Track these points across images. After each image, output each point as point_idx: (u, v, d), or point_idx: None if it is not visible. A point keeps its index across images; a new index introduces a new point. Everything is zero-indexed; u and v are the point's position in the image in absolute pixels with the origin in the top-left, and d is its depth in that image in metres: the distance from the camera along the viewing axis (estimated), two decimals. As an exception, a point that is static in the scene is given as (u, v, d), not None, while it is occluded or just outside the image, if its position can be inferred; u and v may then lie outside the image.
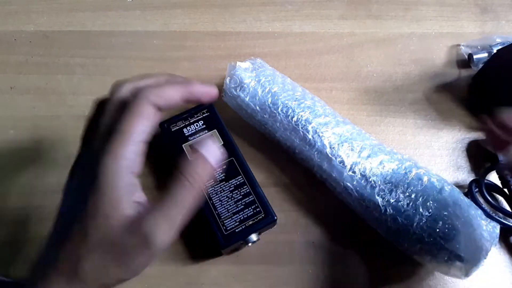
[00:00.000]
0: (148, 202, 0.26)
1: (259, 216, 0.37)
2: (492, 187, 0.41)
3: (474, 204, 0.36)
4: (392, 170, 0.37)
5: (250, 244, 0.37)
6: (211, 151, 0.27)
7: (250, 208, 0.38)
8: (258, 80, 0.41)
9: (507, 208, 0.40)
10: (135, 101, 0.26)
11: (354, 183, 0.37)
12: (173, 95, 0.28)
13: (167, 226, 0.25)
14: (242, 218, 0.37)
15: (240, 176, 0.39)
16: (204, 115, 0.42)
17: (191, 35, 0.52)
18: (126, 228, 0.24)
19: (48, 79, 0.49)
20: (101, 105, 0.29)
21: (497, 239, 0.34)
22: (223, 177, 0.39)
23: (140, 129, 0.26)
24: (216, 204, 0.38)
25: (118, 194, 0.24)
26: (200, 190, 0.26)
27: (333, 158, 0.38)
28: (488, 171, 0.42)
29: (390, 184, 0.36)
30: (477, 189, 0.40)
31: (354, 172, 0.37)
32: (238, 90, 0.41)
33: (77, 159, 0.30)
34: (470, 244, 0.33)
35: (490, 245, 0.33)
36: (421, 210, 0.35)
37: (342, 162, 0.37)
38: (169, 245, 0.25)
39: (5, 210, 0.42)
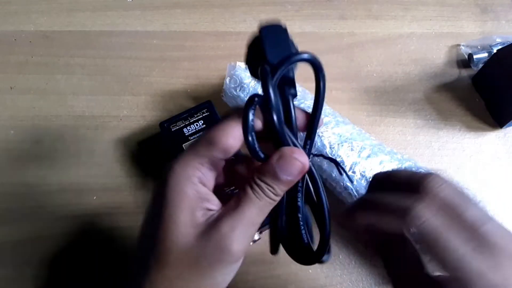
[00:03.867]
0: (223, 207, 0.24)
1: (259, 216, 0.37)
2: None
3: None
4: (392, 170, 0.37)
5: (251, 243, 0.37)
6: (296, 152, 0.23)
7: (250, 208, 0.38)
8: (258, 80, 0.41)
9: None
10: (231, 117, 0.24)
11: (354, 183, 0.37)
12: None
13: (242, 233, 0.23)
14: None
15: (240, 176, 0.39)
16: (204, 115, 0.42)
17: (191, 35, 0.52)
18: (201, 234, 0.22)
19: (48, 79, 0.49)
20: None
21: None
22: (223, 177, 0.39)
23: (223, 145, 0.24)
24: (216, 204, 0.38)
25: (188, 200, 0.23)
26: (280, 197, 0.24)
27: (333, 158, 0.38)
28: None
29: (390, 184, 0.36)
30: None
31: (354, 172, 0.37)
32: (238, 90, 0.41)
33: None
34: None
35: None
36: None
37: (342, 162, 0.37)
38: (244, 256, 0.23)
39: (6, 210, 0.42)
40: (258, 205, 0.23)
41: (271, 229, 0.27)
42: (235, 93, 0.41)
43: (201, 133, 0.41)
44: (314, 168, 0.26)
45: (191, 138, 0.41)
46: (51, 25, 0.52)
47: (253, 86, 0.41)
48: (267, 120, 0.23)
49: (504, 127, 0.45)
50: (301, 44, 0.51)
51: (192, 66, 0.50)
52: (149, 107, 0.47)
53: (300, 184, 0.26)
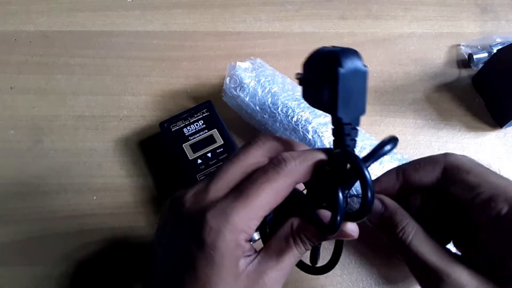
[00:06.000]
0: (261, 254, 0.25)
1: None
2: None
3: None
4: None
5: (252, 243, 0.37)
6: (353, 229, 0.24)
7: (250, 208, 0.38)
8: (258, 80, 0.41)
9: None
10: (276, 170, 0.23)
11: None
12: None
13: (282, 284, 0.25)
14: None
15: (240, 176, 0.39)
16: (204, 115, 0.42)
17: (191, 35, 0.52)
18: (247, 285, 0.23)
19: (48, 79, 0.49)
20: (242, 154, 0.25)
21: None
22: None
23: (269, 204, 0.23)
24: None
25: (236, 262, 0.23)
26: None
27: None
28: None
29: (390, 184, 0.36)
30: None
31: (354, 172, 0.37)
32: (238, 90, 0.41)
33: (179, 200, 0.25)
34: None
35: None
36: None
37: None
38: None
39: (6, 210, 0.42)
40: (298, 257, 0.25)
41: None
42: (235, 93, 0.41)
43: (201, 132, 0.41)
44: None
45: (191, 138, 0.41)
46: (51, 25, 0.52)
47: (253, 86, 0.41)
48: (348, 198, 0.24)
49: (504, 127, 0.45)
50: (301, 44, 0.51)
51: (192, 66, 0.50)
52: (149, 107, 0.47)
53: None
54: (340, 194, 0.22)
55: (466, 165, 0.26)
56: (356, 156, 0.22)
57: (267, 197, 0.22)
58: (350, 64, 0.21)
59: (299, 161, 0.23)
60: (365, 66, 0.22)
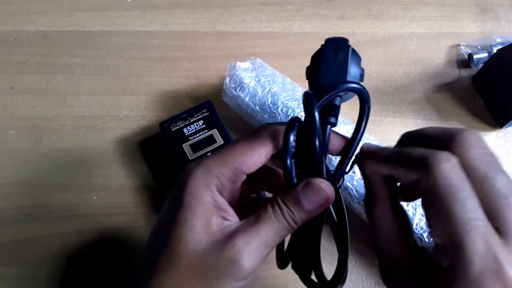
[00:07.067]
0: (242, 221, 0.24)
1: (259, 216, 0.37)
2: None
3: None
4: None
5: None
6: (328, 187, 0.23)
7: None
8: (258, 80, 0.41)
9: None
10: (260, 133, 0.25)
11: (354, 183, 0.37)
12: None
13: (255, 251, 0.22)
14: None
15: (240, 176, 0.39)
16: (204, 115, 0.42)
17: (191, 35, 0.52)
18: (216, 243, 0.22)
19: (48, 79, 0.49)
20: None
21: None
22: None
23: (243, 156, 0.24)
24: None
25: (204, 207, 0.23)
26: (298, 225, 0.24)
27: (333, 158, 0.38)
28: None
29: (390, 184, 0.36)
30: None
31: (354, 172, 0.37)
32: (238, 90, 0.41)
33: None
34: None
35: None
36: (420, 210, 0.35)
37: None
38: (251, 275, 0.23)
39: (6, 210, 0.42)
40: (275, 227, 0.23)
41: (281, 245, 0.27)
42: (235, 93, 0.41)
43: (201, 133, 0.41)
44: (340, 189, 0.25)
45: (191, 138, 0.41)
46: (51, 25, 0.52)
47: (253, 86, 0.41)
48: (306, 145, 0.23)
49: (504, 127, 0.45)
50: (301, 44, 0.52)
51: (192, 66, 0.50)
52: (149, 107, 0.47)
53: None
54: (292, 136, 0.22)
55: (444, 188, 0.20)
56: (308, 92, 0.23)
57: (241, 148, 0.24)
58: (335, 42, 0.27)
59: (277, 126, 0.25)
60: (349, 46, 0.27)
